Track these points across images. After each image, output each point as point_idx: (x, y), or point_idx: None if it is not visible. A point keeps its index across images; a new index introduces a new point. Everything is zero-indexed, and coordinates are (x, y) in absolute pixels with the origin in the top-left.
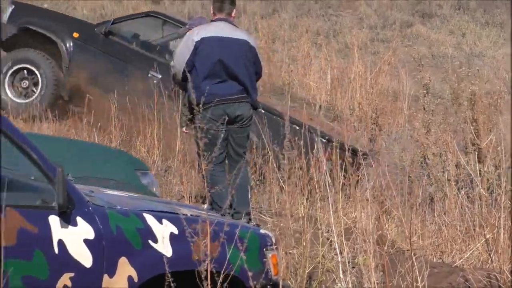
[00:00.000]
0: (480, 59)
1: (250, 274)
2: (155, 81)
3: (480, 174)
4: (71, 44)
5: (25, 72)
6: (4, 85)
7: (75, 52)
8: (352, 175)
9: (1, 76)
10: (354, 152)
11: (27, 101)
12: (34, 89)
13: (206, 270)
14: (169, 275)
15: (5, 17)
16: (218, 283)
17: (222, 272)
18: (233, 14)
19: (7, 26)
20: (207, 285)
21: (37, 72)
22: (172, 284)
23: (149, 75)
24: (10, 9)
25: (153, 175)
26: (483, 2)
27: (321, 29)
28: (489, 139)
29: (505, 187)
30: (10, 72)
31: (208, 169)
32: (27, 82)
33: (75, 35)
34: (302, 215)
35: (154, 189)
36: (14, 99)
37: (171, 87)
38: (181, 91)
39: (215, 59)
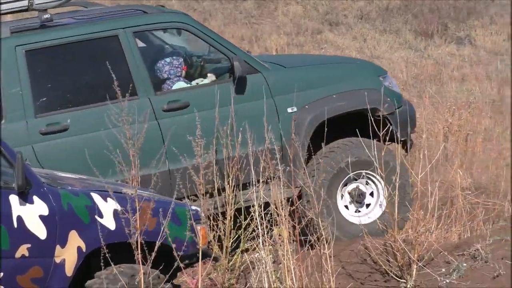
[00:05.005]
0: (379, 60)
1: (181, 244)
2: None
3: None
4: None
5: None
6: None
7: None
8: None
9: None
10: None
11: None
12: None
13: (137, 241)
14: (115, 245)
15: None
16: (154, 252)
17: (157, 241)
18: None
19: None
20: (138, 254)
21: None
22: (107, 255)
23: None
24: None
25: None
26: (382, 12)
27: (245, 35)
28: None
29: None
30: None
31: None
32: None
33: None
34: (228, 194)
35: (394, 88)
36: None
37: None
38: None
39: None
